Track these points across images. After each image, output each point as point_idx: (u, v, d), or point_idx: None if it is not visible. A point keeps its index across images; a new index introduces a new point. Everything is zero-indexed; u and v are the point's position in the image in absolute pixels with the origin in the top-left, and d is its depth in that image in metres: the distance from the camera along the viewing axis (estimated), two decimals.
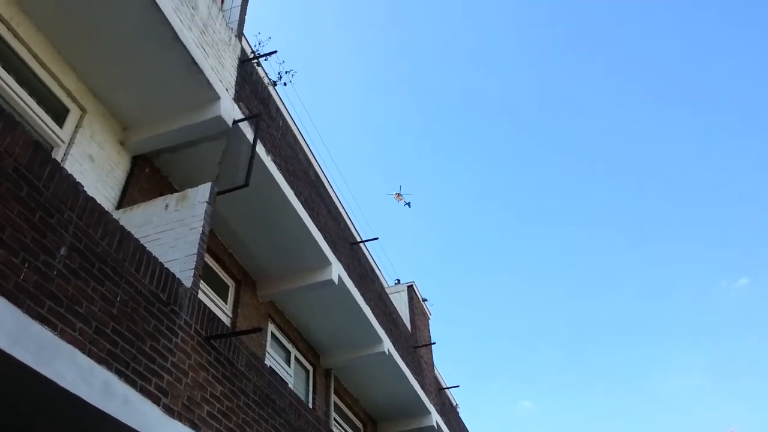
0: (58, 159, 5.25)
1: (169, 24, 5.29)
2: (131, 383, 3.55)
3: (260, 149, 6.59)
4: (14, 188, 3.12)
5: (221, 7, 7.48)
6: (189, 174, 6.57)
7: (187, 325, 4.27)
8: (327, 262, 8.04)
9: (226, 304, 7.55)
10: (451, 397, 22.00)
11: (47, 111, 5.35)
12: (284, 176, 7.19)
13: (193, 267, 4.59)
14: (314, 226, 7.73)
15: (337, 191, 13.17)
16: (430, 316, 14.78)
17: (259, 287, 8.28)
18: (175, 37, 5.38)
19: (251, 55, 7.34)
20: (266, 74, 9.29)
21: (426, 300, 14.50)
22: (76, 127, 5.59)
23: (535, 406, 76.95)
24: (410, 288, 13.60)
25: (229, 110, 6.06)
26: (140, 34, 5.34)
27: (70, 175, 3.61)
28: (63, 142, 5.40)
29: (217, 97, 5.90)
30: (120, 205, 5.76)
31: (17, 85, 5.06)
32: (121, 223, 5.07)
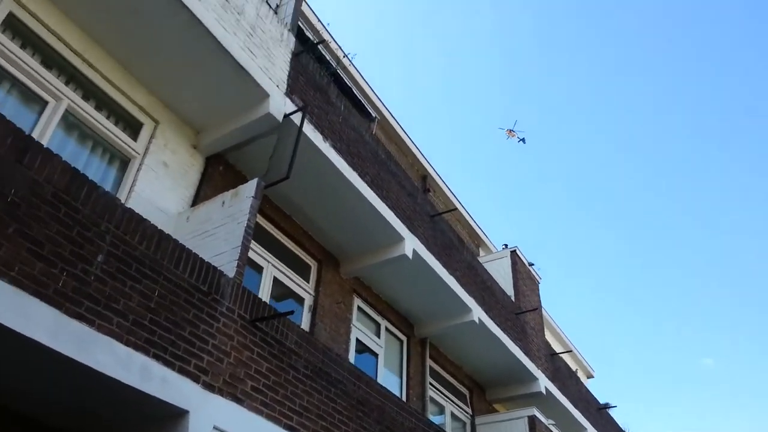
0: (133, 170, 6.03)
1: (212, 35, 5.79)
2: (169, 365, 4.14)
3: (316, 137, 6.99)
4: (53, 210, 3.76)
5: (279, 2, 7.90)
6: (260, 167, 7.14)
7: (229, 311, 4.81)
8: (400, 238, 8.33)
9: (308, 282, 8.15)
10: (579, 359, 21.50)
11: (124, 128, 6.14)
12: (346, 159, 7.54)
13: (237, 258, 5.10)
14: (383, 204, 8.04)
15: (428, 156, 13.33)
16: (539, 281, 14.54)
17: (342, 265, 8.78)
18: (219, 46, 5.88)
19: (309, 45, 7.71)
20: (331, 58, 9.65)
21: (533, 264, 14.26)
22: (150, 137, 6.33)
23: (717, 364, 70.94)
24: (513, 253, 13.46)
25: (280, 105, 6.50)
26: (190, 48, 5.90)
27: (108, 192, 4.23)
28: (138, 153, 6.16)
29: (267, 95, 6.35)
30: (194, 203, 6.47)
31: (95, 110, 5.87)
32: (189, 221, 5.74)
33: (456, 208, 11.43)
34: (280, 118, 6.48)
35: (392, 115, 12.09)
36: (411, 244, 8.50)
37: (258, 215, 7.60)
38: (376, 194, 8.00)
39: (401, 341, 10.04)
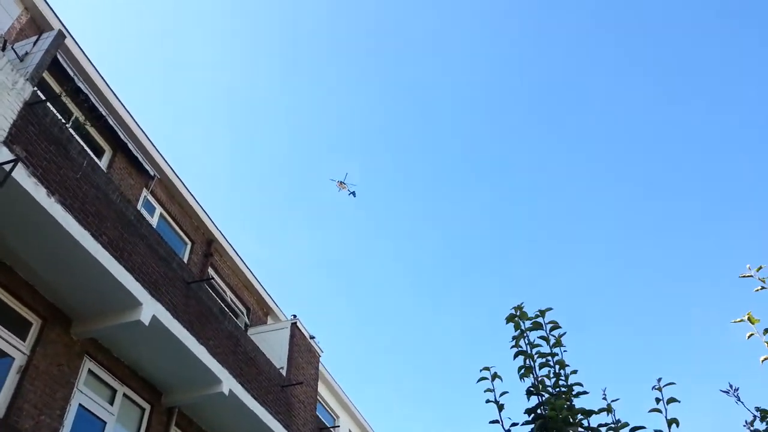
0: None
1: None
2: None
3: (38, 191, 6.72)
4: None
5: (30, 49, 7.67)
6: None
7: None
8: (137, 303, 8.10)
9: (23, 341, 7.58)
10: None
11: None
12: (78, 217, 7.30)
13: None
14: (119, 267, 7.81)
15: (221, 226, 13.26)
16: (321, 354, 14.76)
17: (75, 324, 8.31)
18: None
19: (70, 92, 7.52)
20: (107, 111, 9.47)
21: (314, 337, 14.49)
22: None
23: None
24: (293, 325, 13.59)
25: None
26: None
27: None
28: None
29: None
30: None
31: None
32: None
33: (212, 278, 11.37)
34: None
35: (176, 175, 11.96)
36: (151, 310, 8.28)
37: None
38: (113, 256, 7.77)
39: (143, 409, 9.57)
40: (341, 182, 34.41)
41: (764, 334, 3.16)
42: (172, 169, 11.86)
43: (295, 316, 15.21)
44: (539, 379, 3.06)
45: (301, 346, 13.63)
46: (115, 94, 10.51)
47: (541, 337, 3.16)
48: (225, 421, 10.71)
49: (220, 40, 69.40)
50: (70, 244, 7.23)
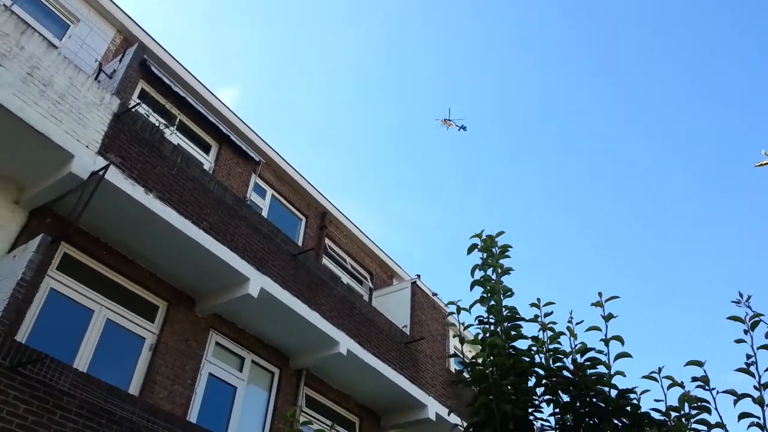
0: None
1: (5, 108, 6.47)
2: None
3: (136, 190, 7.63)
4: None
5: (117, 67, 8.61)
6: (90, 218, 7.78)
7: None
8: (244, 278, 8.89)
9: (152, 323, 8.70)
10: None
11: None
12: (178, 208, 8.16)
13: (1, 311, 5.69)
14: (223, 248, 8.62)
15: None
16: (448, 309, 14.97)
17: (198, 304, 9.34)
18: (15, 117, 6.55)
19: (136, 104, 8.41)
20: (207, 111, 10.33)
21: (437, 294, 14.74)
22: None
23: None
24: (413, 284, 13.95)
25: (87, 164, 7.14)
26: None
27: None
28: None
29: (72, 156, 7.01)
30: None
31: None
32: None
33: (312, 248, 11.94)
34: (85, 176, 7.12)
35: (281, 157, 12.73)
36: (258, 283, 9.05)
37: (95, 261, 8.26)
38: (215, 239, 8.59)
39: (272, 373, 10.53)
40: (446, 120, 33.15)
41: None
42: (276, 152, 12.65)
43: (418, 276, 15.59)
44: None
45: (423, 304, 13.95)
46: (211, 92, 11.42)
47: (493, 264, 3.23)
48: (352, 379, 11.42)
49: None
50: (174, 233, 8.12)
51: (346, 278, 14.36)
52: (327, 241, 13.84)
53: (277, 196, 12.96)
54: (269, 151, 12.59)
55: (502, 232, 3.29)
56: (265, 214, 12.33)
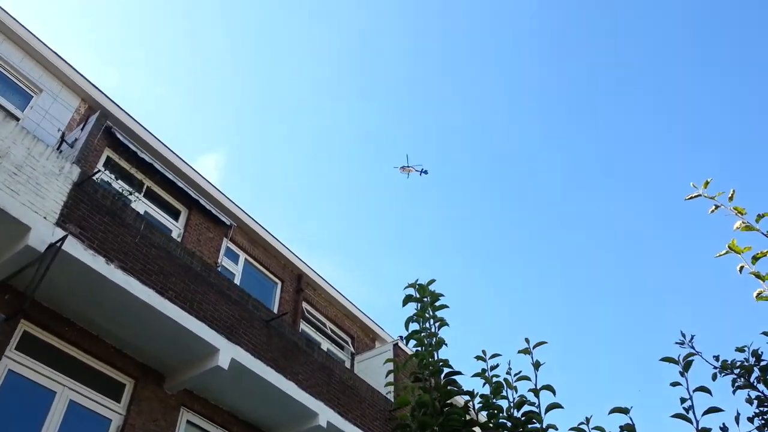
0: None
1: None
2: None
3: (96, 260, 7.26)
4: None
5: (78, 136, 8.39)
6: (52, 294, 7.37)
7: None
8: (214, 349, 8.43)
9: (118, 402, 8.14)
10: None
11: None
12: (141, 278, 7.78)
13: None
14: (190, 318, 8.19)
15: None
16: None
17: (167, 379, 8.81)
18: None
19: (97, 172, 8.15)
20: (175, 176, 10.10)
21: None
22: None
23: None
24: (395, 346, 13.50)
25: (45, 236, 6.80)
26: None
27: None
28: None
29: (28, 228, 6.67)
30: None
31: None
32: None
33: (286, 313, 11.52)
34: (43, 248, 6.76)
35: (253, 219, 12.46)
36: (229, 354, 8.58)
37: (57, 339, 7.80)
38: (182, 308, 8.17)
39: None
40: (405, 167, 33.02)
41: (753, 264, 2.60)
42: (248, 214, 12.39)
43: (401, 337, 15.13)
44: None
45: (407, 367, 13.43)
46: (180, 158, 11.22)
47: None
48: None
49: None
50: (138, 303, 7.70)
51: (326, 344, 13.86)
52: (304, 304, 13.41)
53: (251, 260, 12.60)
54: (241, 214, 12.31)
55: (433, 280, 3.19)
56: (238, 279, 11.95)
